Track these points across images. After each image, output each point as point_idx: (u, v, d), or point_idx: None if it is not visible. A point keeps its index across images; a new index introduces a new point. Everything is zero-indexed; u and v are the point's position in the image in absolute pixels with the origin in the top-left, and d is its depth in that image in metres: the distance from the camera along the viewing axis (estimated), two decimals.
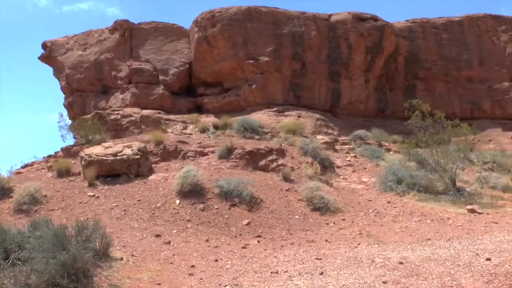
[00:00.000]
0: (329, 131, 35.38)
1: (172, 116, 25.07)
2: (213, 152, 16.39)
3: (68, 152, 17.58)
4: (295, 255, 8.65)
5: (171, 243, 9.45)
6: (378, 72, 40.73)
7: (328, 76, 39.26)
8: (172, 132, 20.79)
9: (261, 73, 37.89)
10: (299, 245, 9.81)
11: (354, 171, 17.93)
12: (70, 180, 13.77)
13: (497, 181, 18.23)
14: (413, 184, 15.16)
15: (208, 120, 25.93)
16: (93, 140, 17.62)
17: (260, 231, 11.01)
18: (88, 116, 21.88)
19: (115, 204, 11.56)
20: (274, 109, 36.31)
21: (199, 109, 39.66)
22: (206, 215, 11.35)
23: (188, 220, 10.97)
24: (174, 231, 10.31)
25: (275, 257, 8.61)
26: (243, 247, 9.58)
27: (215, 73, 40.10)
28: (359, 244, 9.55)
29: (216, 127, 21.53)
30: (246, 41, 38.04)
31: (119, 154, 13.84)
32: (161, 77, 40.21)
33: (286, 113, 35.82)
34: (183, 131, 21.40)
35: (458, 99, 41.18)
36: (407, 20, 42.38)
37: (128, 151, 14.02)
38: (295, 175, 15.14)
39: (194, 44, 39.85)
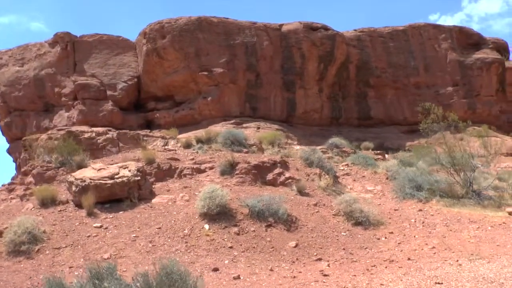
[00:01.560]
0: (289, 141, 34.85)
1: (148, 132, 23.47)
2: (211, 168, 15.16)
3: (41, 177, 15.57)
4: (401, 280, 7.69)
5: (241, 277, 8.15)
6: (330, 81, 40.95)
7: (283, 86, 38.92)
8: (153, 149, 19.27)
9: (216, 85, 36.86)
10: (386, 267, 8.84)
11: (354, 180, 17.32)
12: (60, 210, 11.94)
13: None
14: (433, 190, 14.68)
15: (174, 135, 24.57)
16: (71, 162, 15.76)
17: (315, 253, 9.94)
18: (47, 135, 19.70)
19: (135, 235, 10.00)
20: (232, 121, 35.30)
21: (150, 125, 37.89)
22: (246, 240, 10.09)
23: (230, 247, 9.66)
24: (226, 261, 9.02)
25: (382, 284, 7.59)
26: (324, 275, 8.47)
27: (166, 86, 38.57)
28: (457, 260, 8.67)
29: (199, 141, 20.25)
30: (199, 52, 36.90)
31: (116, 177, 12.26)
32: (109, 92, 38.08)
33: (244, 125, 34.93)
34: (165, 147, 19.95)
35: (408, 105, 42.22)
36: (355, 30, 43.09)
37: (126, 173, 12.48)
38: (307, 188, 14.31)
39: (143, 57, 38.13)
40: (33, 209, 12.40)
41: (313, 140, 36.44)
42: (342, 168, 18.92)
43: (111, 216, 11.23)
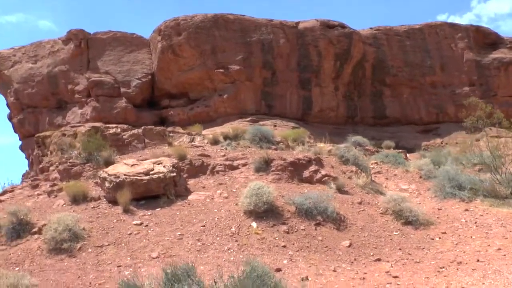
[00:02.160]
0: (306, 139, 34.33)
1: (174, 129, 23.10)
2: (244, 165, 14.65)
3: (67, 173, 15.05)
4: (483, 283, 7.16)
5: (309, 279, 7.70)
6: (346, 79, 40.49)
7: (299, 84, 38.47)
8: (180, 145, 18.82)
9: (232, 82, 36.42)
10: (457, 269, 8.36)
11: (387, 179, 16.81)
12: (93, 207, 11.42)
13: None
14: (476, 190, 14.15)
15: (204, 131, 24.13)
16: (97, 158, 15.27)
17: (371, 253, 9.44)
18: (61, 132, 19.20)
19: (180, 233, 9.49)
20: (248, 119, 34.84)
21: (164, 122, 37.35)
22: (297, 239, 9.60)
23: (284, 247, 9.15)
24: (285, 261, 8.54)
25: None
26: (394, 276, 8.01)
27: (181, 83, 38.12)
28: None
29: (226, 137, 19.77)
30: (215, 49, 36.47)
31: (152, 173, 11.75)
32: (123, 90, 37.65)
33: (260, 122, 34.32)
34: (191, 143, 19.48)
35: (424, 104, 41.75)
36: (371, 28, 42.61)
37: (161, 169, 11.98)
38: (346, 186, 13.83)
39: (158, 54, 37.68)
40: (64, 205, 11.91)
41: (330, 138, 36.00)
42: (372, 166, 18.40)
43: (149, 213, 10.73)
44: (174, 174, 12.16)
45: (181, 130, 21.46)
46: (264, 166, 13.99)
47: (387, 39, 42.02)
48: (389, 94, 41.97)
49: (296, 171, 14.02)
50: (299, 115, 38.56)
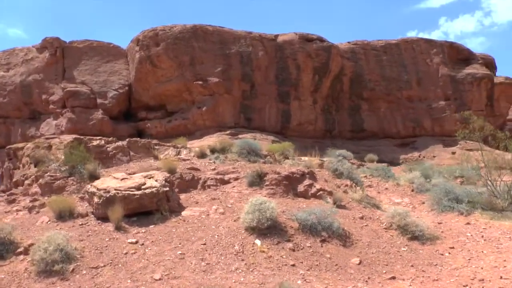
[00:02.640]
0: (291, 153, 34.25)
1: (157, 141, 22.54)
2: (236, 179, 14.32)
3: (49, 187, 14.36)
4: None
5: None
6: (325, 93, 40.69)
7: (278, 97, 38.45)
8: (166, 159, 18.32)
9: (211, 95, 36.13)
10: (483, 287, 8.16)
11: (379, 192, 16.68)
12: (82, 224, 10.83)
13: None
14: (474, 203, 14.08)
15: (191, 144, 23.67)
16: (81, 171, 14.65)
17: (384, 271, 9.14)
18: (34, 144, 18.43)
19: (180, 252, 9.03)
20: (227, 132, 34.57)
21: (141, 135, 36.67)
22: (304, 257, 9.24)
23: (293, 265, 8.80)
24: (299, 281, 8.18)
25: None
26: None
27: (158, 95, 37.62)
28: None
29: (213, 150, 19.40)
30: (193, 61, 36.16)
31: (143, 187, 11.28)
32: (99, 101, 36.89)
33: (240, 136, 34.06)
34: (177, 156, 19.04)
35: (401, 118, 42.27)
36: (349, 42, 43.06)
37: (153, 183, 11.51)
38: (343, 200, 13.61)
39: (135, 65, 37.16)
40: (49, 222, 11.30)
41: (309, 152, 36.00)
42: (362, 180, 18.29)
43: (143, 231, 10.24)
44: (167, 188, 11.75)
45: (166, 143, 20.96)
46: (258, 180, 13.70)
47: (365, 53, 42.51)
48: (366, 108, 42.36)
49: (290, 185, 13.79)
50: (278, 129, 38.49)
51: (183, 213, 11.66)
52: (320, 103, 40.58)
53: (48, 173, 15.02)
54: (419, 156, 40.16)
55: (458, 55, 45.87)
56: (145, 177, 12.09)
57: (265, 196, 12.52)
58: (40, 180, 14.77)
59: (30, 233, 10.57)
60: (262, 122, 37.72)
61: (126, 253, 9.13)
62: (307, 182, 14.10)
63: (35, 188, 14.94)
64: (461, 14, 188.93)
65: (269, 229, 10.02)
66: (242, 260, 8.80)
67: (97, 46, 39.51)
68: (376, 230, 11.64)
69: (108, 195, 11.04)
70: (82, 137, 17.35)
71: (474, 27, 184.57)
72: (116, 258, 8.92)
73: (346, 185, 15.51)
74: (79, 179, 14.58)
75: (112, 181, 11.79)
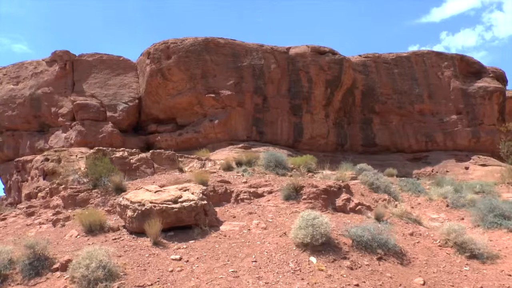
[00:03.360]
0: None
1: (181, 154, 21.97)
2: (270, 192, 13.76)
3: (72, 200, 13.73)
4: None
5: None
6: (336, 106, 40.25)
7: (290, 111, 37.97)
8: (192, 171, 17.77)
9: (223, 108, 35.63)
10: None
11: (412, 208, 16.05)
12: (115, 239, 10.16)
13: None
14: None
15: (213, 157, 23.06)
16: (106, 183, 14.02)
17: None
18: (43, 156, 17.62)
19: (232, 270, 8.41)
20: (240, 145, 33.96)
21: (150, 148, 36.04)
22: (365, 276, 8.58)
23: (357, 286, 8.19)
24: None
25: None
26: None
27: (169, 108, 37.11)
28: None
29: (239, 163, 18.89)
30: (205, 73, 35.73)
31: (180, 200, 10.64)
32: (109, 114, 36.40)
33: (253, 149, 33.49)
34: (202, 168, 18.50)
35: (412, 132, 41.78)
36: (360, 55, 42.74)
37: (190, 196, 10.88)
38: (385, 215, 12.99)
39: (146, 77, 36.69)
40: (78, 236, 10.67)
41: (322, 166, 35.42)
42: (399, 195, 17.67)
43: (184, 246, 9.61)
44: (205, 202, 11.15)
45: (190, 155, 20.43)
46: (294, 194, 13.14)
47: (376, 66, 42.18)
48: (378, 121, 41.90)
49: (329, 199, 13.22)
50: (290, 142, 37.96)
51: (221, 227, 11.08)
52: (332, 116, 40.12)
53: (70, 185, 14.43)
54: (432, 171, 39.61)
55: (469, 68, 45.57)
56: (180, 189, 11.55)
57: (303, 210, 11.97)
58: (63, 192, 14.18)
59: (60, 247, 10.00)
60: (275, 136, 37.19)
61: (171, 271, 8.52)
62: (344, 196, 13.57)
63: (56, 201, 14.36)
64: (462, 29, 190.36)
65: (323, 246, 9.41)
66: (302, 279, 8.16)
67: (107, 59, 39.14)
68: (430, 247, 11.01)
69: (143, 208, 10.45)
70: (104, 148, 16.74)
71: (475, 42, 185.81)
72: (162, 276, 8.29)
73: (384, 200, 14.93)
74: (104, 192, 14.00)
75: (146, 193, 11.20)
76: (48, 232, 11.67)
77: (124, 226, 11.03)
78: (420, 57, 44.03)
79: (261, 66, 37.16)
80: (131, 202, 10.73)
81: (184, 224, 10.56)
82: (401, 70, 42.86)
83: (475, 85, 43.93)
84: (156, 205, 10.35)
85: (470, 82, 44.35)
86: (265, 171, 17.52)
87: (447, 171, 39.68)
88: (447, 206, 16.39)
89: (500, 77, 47.77)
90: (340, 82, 39.11)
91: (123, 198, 11.22)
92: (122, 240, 10.20)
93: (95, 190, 14.00)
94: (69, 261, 8.57)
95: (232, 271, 8.38)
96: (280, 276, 8.19)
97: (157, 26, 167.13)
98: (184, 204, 10.53)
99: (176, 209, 10.36)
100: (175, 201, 10.60)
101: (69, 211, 13.30)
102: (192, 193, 11.20)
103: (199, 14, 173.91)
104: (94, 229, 10.78)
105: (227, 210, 12.59)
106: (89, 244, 9.85)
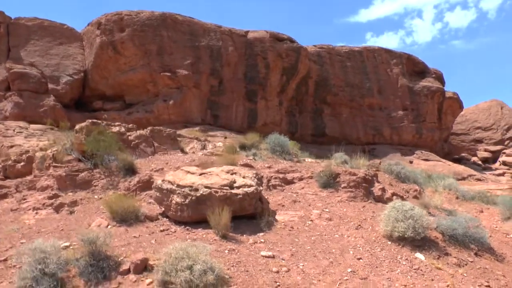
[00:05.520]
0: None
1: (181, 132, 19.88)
2: (300, 179, 12.59)
3: (71, 181, 11.48)
4: None
5: None
6: (290, 95, 39.80)
7: (245, 96, 36.92)
8: (193, 153, 16.06)
9: (178, 88, 33.78)
10: None
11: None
12: (163, 231, 8.31)
13: None
14: None
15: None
16: (109, 162, 11.97)
17: None
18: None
19: (351, 270, 7.10)
20: (196, 128, 32.32)
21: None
22: (480, 274, 7.61)
23: (487, 287, 7.31)
24: None
25: None
26: None
27: (118, 84, 34.55)
28: None
29: (243, 146, 17.47)
30: (161, 50, 33.62)
31: (236, 186, 9.08)
32: (50, 86, 33.12)
33: (210, 133, 32.12)
34: (203, 150, 16.84)
35: (362, 125, 42.47)
36: (314, 45, 42.55)
37: (246, 181, 9.36)
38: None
39: (95, 50, 33.80)
40: (110, 226, 8.82)
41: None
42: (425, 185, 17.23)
43: (262, 240, 8.10)
44: (261, 188, 9.78)
45: (188, 135, 18.71)
46: (331, 182, 12.20)
47: (330, 58, 42.24)
48: (329, 112, 42.10)
49: (368, 188, 12.40)
50: (244, 128, 36.76)
51: (278, 217, 9.82)
52: (285, 104, 39.62)
53: (61, 163, 12.38)
54: (380, 163, 40.49)
55: (414, 67, 47.15)
56: (227, 172, 10.05)
57: (346, 199, 11.10)
58: (59, 172, 12.06)
59: (85, 237, 8.16)
60: (229, 120, 35.99)
61: (277, 272, 7.02)
62: (378, 185, 12.81)
63: (46, 181, 12.22)
64: (386, 31, 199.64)
65: (422, 240, 8.54)
66: (432, 280, 7.16)
67: (49, 26, 35.60)
68: (506, 241, 10.50)
69: (198, 194, 8.79)
70: (98, 121, 14.71)
71: (397, 44, 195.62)
72: (276, 280, 6.68)
73: (415, 190, 14.39)
74: (107, 172, 12.12)
75: (190, 176, 9.55)
76: (54, 220, 9.68)
77: (164, 215, 9.30)
78: (371, 53, 44.76)
79: (219, 48, 35.67)
80: (178, 186, 9.01)
81: (244, 213, 9.11)
82: (354, 64, 43.31)
83: (420, 84, 45.53)
84: (217, 190, 8.74)
85: (415, 80, 45.89)
86: (272, 156, 16.44)
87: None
88: (457, 198, 16.26)
89: (440, 78, 49.96)
90: (297, 70, 38.65)
91: (163, 181, 9.44)
92: (175, 232, 8.47)
93: (97, 170, 12.06)
94: (145, 260, 6.79)
95: (351, 271, 7.19)
96: (409, 277, 7.14)
97: None
98: (247, 189, 9.04)
99: (241, 196, 8.84)
100: (231, 186, 9.12)
101: (69, 193, 11.32)
102: (244, 177, 9.79)
103: None
104: (127, 218, 8.94)
105: (267, 197, 11.34)
106: (135, 237, 8.12)
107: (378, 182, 13.29)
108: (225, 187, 9.01)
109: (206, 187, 8.93)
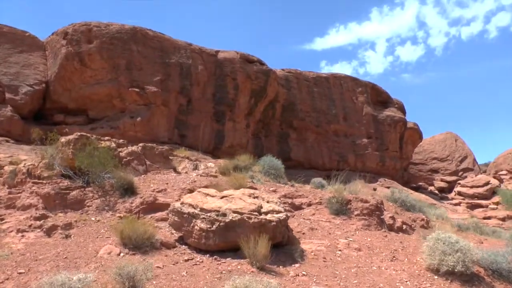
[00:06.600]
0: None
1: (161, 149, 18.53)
2: (309, 204, 11.99)
3: (61, 199, 10.19)
4: None
5: None
6: (257, 117, 39.50)
7: (213, 116, 36.24)
8: (186, 173, 15.09)
9: (145, 105, 32.68)
10: None
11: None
12: (188, 260, 7.29)
13: None
14: None
15: None
16: (102, 178, 10.83)
17: None
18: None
19: None
20: (165, 147, 31.18)
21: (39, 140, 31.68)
22: None
23: None
24: None
25: None
26: None
27: (82, 98, 33.01)
28: None
29: (236, 167, 16.62)
30: (130, 65, 32.53)
31: (264, 211, 8.21)
32: (8, 95, 31.20)
33: (175, 153, 31.03)
34: (196, 170, 15.89)
35: (327, 151, 42.62)
36: (282, 69, 42.64)
37: (273, 206, 8.53)
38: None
39: (60, 60, 32.23)
40: (122, 254, 7.72)
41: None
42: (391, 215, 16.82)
43: (304, 273, 7.32)
44: (289, 214, 9.05)
45: (179, 154, 17.71)
46: (344, 209, 11.71)
47: (298, 82, 42.41)
48: (295, 137, 42.03)
49: (380, 216, 11.96)
50: (210, 149, 36.10)
51: (303, 246, 9.18)
52: (252, 127, 39.22)
53: (47, 179, 11.25)
54: (375, 189, 40.75)
55: (378, 97, 48.16)
56: (249, 196, 9.29)
57: (361, 227, 10.66)
58: (46, 189, 10.89)
59: (89, 266, 7.22)
60: (196, 140, 35.04)
61: None
62: (387, 213, 12.45)
63: (29, 199, 11.01)
64: (340, 60, 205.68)
65: (470, 275, 8.10)
66: None
67: (9, 32, 33.78)
68: None
69: (227, 220, 7.98)
70: (87, 134, 13.61)
71: (350, 74, 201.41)
72: None
73: (422, 220, 14.09)
74: (101, 192, 11.07)
75: (210, 199, 8.74)
76: (48, 245, 8.53)
77: (182, 241, 8.33)
78: (337, 80, 45.36)
79: (189, 66, 34.98)
80: (202, 209, 8.09)
81: (274, 242, 8.35)
82: (320, 90, 43.66)
83: (384, 113, 46.47)
84: (250, 216, 7.90)
85: (379, 109, 46.81)
86: (267, 179, 15.84)
87: (357, 191, 41.05)
88: (452, 226, 16.08)
89: (402, 108, 51.28)
90: (265, 93, 38.46)
91: (183, 203, 8.50)
92: (202, 262, 7.57)
93: (89, 189, 10.97)
94: None
95: None
96: None
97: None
98: (279, 216, 8.28)
99: (274, 223, 8.06)
100: (259, 211, 8.35)
101: (60, 214, 10.19)
102: (268, 202, 9.07)
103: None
104: (141, 245, 7.92)
105: None
106: (158, 267, 7.14)
107: (385, 210, 12.98)
108: (254, 212, 8.29)
109: (235, 212, 8.17)
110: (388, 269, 8.48)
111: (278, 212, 8.62)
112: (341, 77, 45.76)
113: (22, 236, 9.12)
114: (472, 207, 46.80)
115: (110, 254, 7.86)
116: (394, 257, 9.16)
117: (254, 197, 9.30)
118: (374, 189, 43.99)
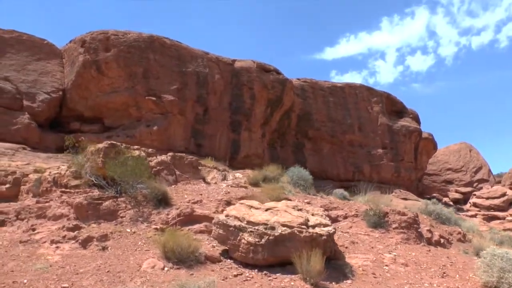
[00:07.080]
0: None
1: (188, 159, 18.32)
2: (345, 217, 11.77)
3: (94, 210, 9.95)
4: None
5: None
6: (273, 127, 39.22)
7: (230, 126, 35.97)
8: (215, 183, 14.82)
9: (162, 114, 32.47)
10: None
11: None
12: (237, 275, 7.10)
13: None
14: None
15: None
16: (135, 188, 10.59)
17: None
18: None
19: None
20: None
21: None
22: None
23: None
24: None
25: None
26: None
27: (98, 106, 32.88)
28: None
29: (265, 178, 16.38)
30: (147, 74, 32.38)
31: (311, 225, 7.95)
32: (26, 103, 31.11)
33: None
34: (225, 181, 15.62)
35: (342, 161, 42.23)
36: (298, 79, 42.41)
37: (320, 219, 8.27)
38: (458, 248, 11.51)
39: (77, 68, 32.16)
40: (167, 269, 7.40)
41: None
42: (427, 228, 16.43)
43: None
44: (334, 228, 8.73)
45: (207, 164, 17.47)
46: (382, 221, 11.39)
47: (313, 92, 42.14)
48: (310, 147, 41.69)
49: (418, 229, 11.64)
50: (226, 158, 35.76)
51: (349, 261, 8.85)
52: (267, 137, 38.93)
53: (76, 189, 10.96)
54: (361, 200, 40.28)
55: (393, 106, 47.79)
56: (292, 208, 8.98)
57: (400, 241, 10.30)
58: (77, 200, 10.62)
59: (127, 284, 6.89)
60: (212, 150, 34.74)
61: None
62: (424, 227, 12.10)
63: (60, 209, 10.74)
64: (350, 70, 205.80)
65: None
66: None
67: (27, 40, 33.79)
68: None
69: (277, 233, 7.67)
70: (117, 143, 13.36)
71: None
72: None
73: (459, 233, 13.71)
74: (134, 202, 10.78)
75: (255, 211, 8.45)
76: (85, 257, 8.24)
77: (227, 255, 8.02)
78: (353, 90, 45.06)
79: (206, 75, 34.81)
80: (249, 222, 7.78)
81: (326, 256, 8.03)
82: (336, 100, 43.36)
83: (399, 123, 46.06)
84: (300, 229, 7.60)
85: (394, 119, 46.41)
86: (296, 190, 15.56)
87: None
88: (492, 240, 15.68)
89: (416, 118, 50.84)
90: (281, 103, 38.22)
91: (228, 216, 8.21)
92: (253, 278, 7.26)
93: (121, 199, 10.68)
94: None
95: None
96: None
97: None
98: (328, 229, 7.98)
99: (325, 237, 7.76)
100: (306, 224, 8.04)
101: (93, 225, 9.92)
102: (313, 215, 8.76)
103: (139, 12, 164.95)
104: (186, 259, 7.61)
105: None
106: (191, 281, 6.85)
107: (421, 223, 12.61)
108: (302, 226, 7.96)
109: (283, 225, 7.85)
110: (440, 286, 8.15)
111: (326, 225, 8.32)
112: (356, 87, 45.46)
113: (57, 247, 8.83)
114: (489, 219, 46.14)
115: (154, 268, 7.55)
116: (444, 273, 8.83)
117: (299, 210, 8.99)
118: (390, 201, 43.70)
